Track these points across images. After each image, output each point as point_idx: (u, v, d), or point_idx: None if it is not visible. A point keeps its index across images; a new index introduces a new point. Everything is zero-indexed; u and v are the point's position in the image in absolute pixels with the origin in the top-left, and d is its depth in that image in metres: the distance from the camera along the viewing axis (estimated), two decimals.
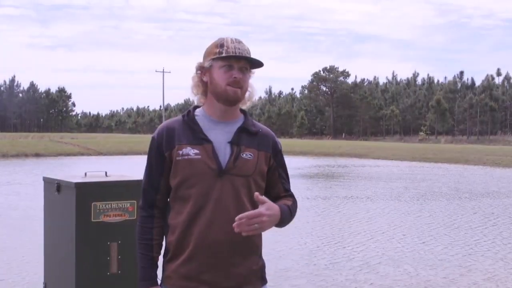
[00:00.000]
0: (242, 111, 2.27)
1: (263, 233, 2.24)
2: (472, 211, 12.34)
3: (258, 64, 2.20)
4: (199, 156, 2.11)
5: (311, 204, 12.99)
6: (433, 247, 8.35)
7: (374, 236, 9.21)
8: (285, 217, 2.18)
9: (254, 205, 2.15)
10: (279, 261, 7.27)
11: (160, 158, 2.17)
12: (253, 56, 2.19)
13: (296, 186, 14.08)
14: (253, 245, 2.18)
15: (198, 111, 2.24)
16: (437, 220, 10.99)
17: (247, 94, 2.24)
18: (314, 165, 28.68)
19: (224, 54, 2.13)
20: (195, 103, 2.29)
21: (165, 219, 2.21)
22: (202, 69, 2.21)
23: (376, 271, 6.85)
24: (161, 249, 2.23)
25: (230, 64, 2.14)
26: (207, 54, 2.20)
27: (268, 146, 2.23)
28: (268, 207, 2.06)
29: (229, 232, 2.08)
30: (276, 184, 2.29)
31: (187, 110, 2.26)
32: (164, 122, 2.25)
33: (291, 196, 2.33)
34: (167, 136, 2.17)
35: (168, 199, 2.21)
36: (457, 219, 11.15)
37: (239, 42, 2.18)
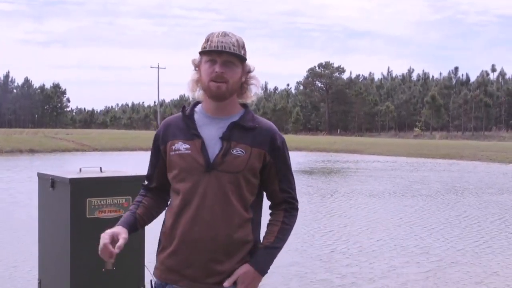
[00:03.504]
0: (244, 105, 2.24)
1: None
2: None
3: (240, 57, 2.14)
4: (189, 151, 2.13)
5: (340, 205, 12.11)
6: (489, 245, 8.02)
7: (424, 236, 8.62)
8: (270, 259, 2.17)
9: (243, 202, 2.13)
10: (322, 267, 6.74)
11: (156, 151, 2.26)
12: (248, 51, 2.17)
13: (310, 182, 13.48)
14: (239, 243, 2.13)
15: (197, 107, 2.24)
16: (477, 216, 10.56)
17: (251, 87, 2.22)
18: (318, 160, 28.43)
19: (207, 49, 2.12)
20: (191, 100, 2.29)
21: (164, 207, 2.31)
22: (196, 66, 2.20)
23: (438, 276, 6.35)
24: (146, 211, 2.28)
25: (213, 58, 2.11)
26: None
27: (264, 142, 2.15)
28: (240, 280, 2.10)
29: (212, 229, 2.09)
30: (272, 182, 2.22)
31: (189, 106, 2.26)
32: (166, 118, 2.31)
33: (285, 201, 2.23)
34: (164, 131, 2.23)
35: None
36: (502, 216, 10.71)
37: (225, 35, 2.12)
